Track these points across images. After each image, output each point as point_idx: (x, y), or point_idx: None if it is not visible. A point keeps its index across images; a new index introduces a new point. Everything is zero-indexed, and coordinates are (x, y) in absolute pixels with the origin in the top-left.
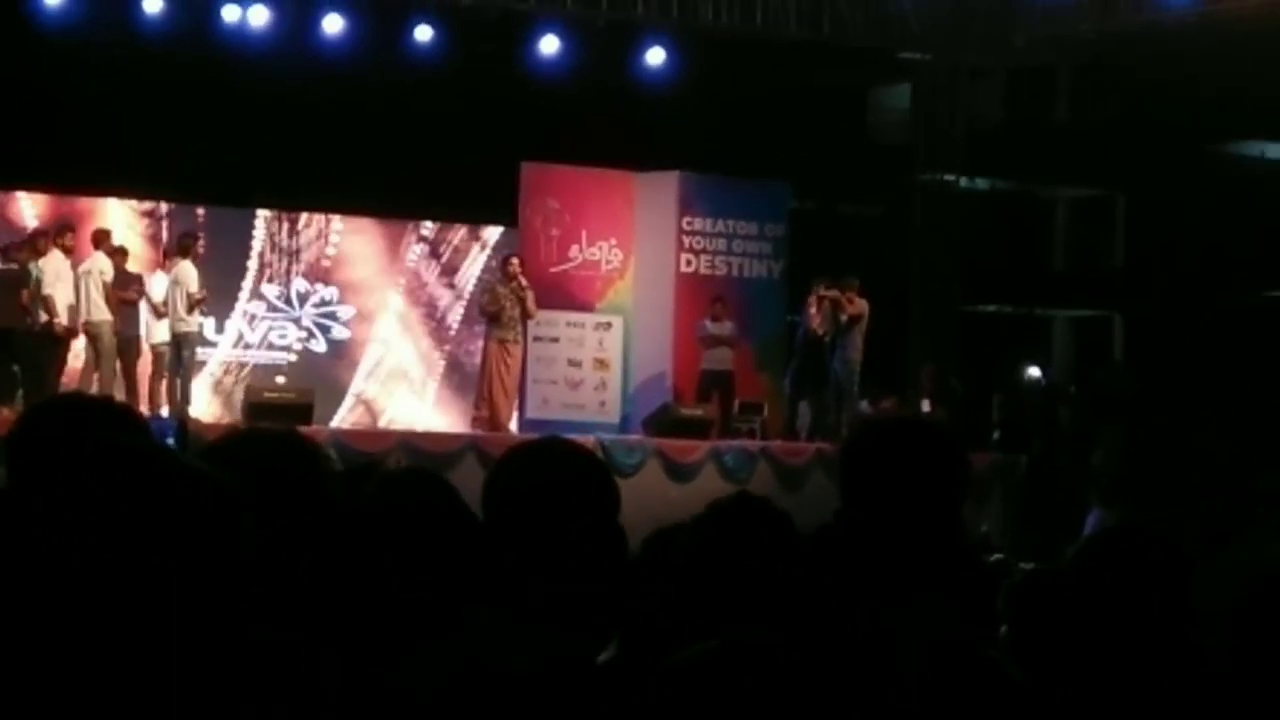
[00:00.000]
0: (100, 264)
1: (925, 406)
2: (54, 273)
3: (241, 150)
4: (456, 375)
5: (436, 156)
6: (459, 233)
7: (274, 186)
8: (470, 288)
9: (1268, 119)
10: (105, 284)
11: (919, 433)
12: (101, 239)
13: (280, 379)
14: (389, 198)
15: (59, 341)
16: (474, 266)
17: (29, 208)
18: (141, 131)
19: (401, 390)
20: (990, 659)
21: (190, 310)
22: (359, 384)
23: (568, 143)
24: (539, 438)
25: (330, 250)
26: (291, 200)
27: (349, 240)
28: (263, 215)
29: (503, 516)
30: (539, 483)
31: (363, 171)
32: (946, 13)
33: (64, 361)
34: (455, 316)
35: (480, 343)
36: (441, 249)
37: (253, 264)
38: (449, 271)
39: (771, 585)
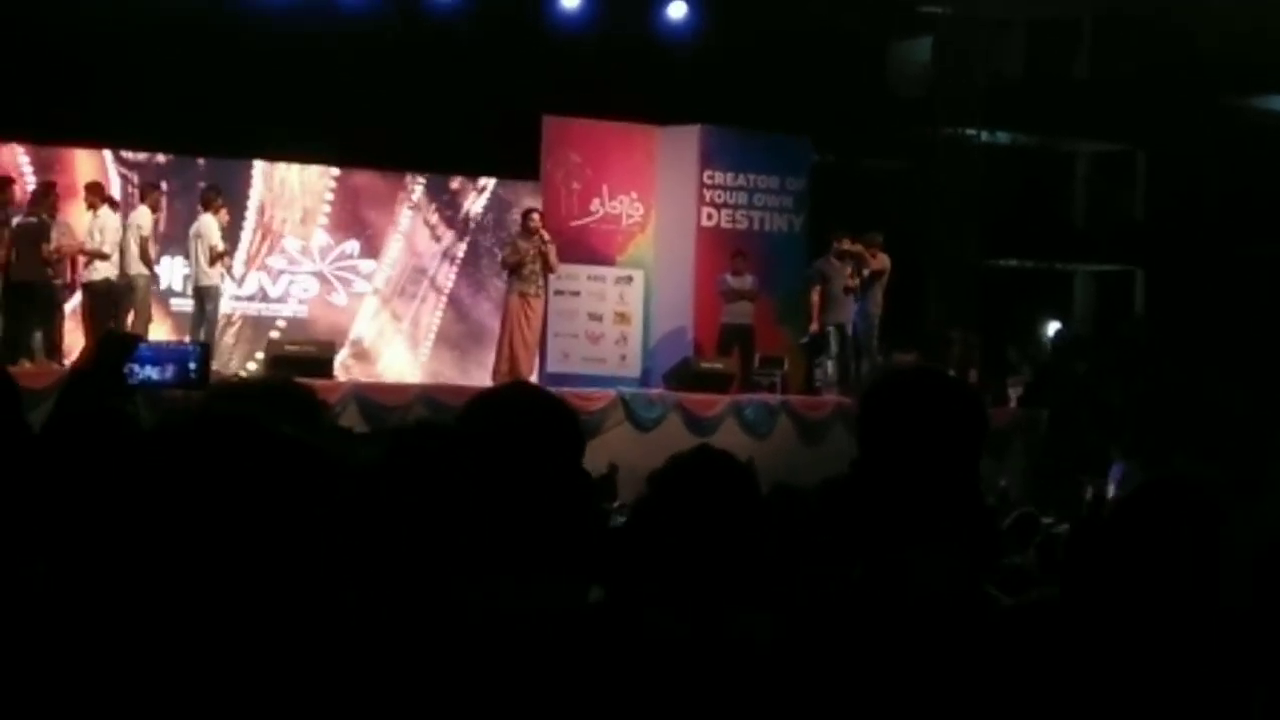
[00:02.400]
0: (141, 218)
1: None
2: (100, 226)
3: (255, 102)
4: (458, 326)
5: (457, 110)
6: (455, 180)
7: (288, 138)
8: (470, 233)
9: None
10: (144, 239)
11: (937, 384)
12: (147, 193)
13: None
14: (409, 152)
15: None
16: (474, 207)
17: (21, 158)
18: (153, 83)
19: (397, 340)
20: (1007, 609)
21: (212, 264)
22: (357, 330)
23: (589, 96)
24: (503, 386)
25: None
26: (307, 153)
27: (361, 192)
28: (276, 167)
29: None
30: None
31: (383, 125)
32: None
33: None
34: (452, 268)
35: (480, 292)
36: (442, 197)
37: (251, 217)
38: (446, 220)
39: (732, 541)
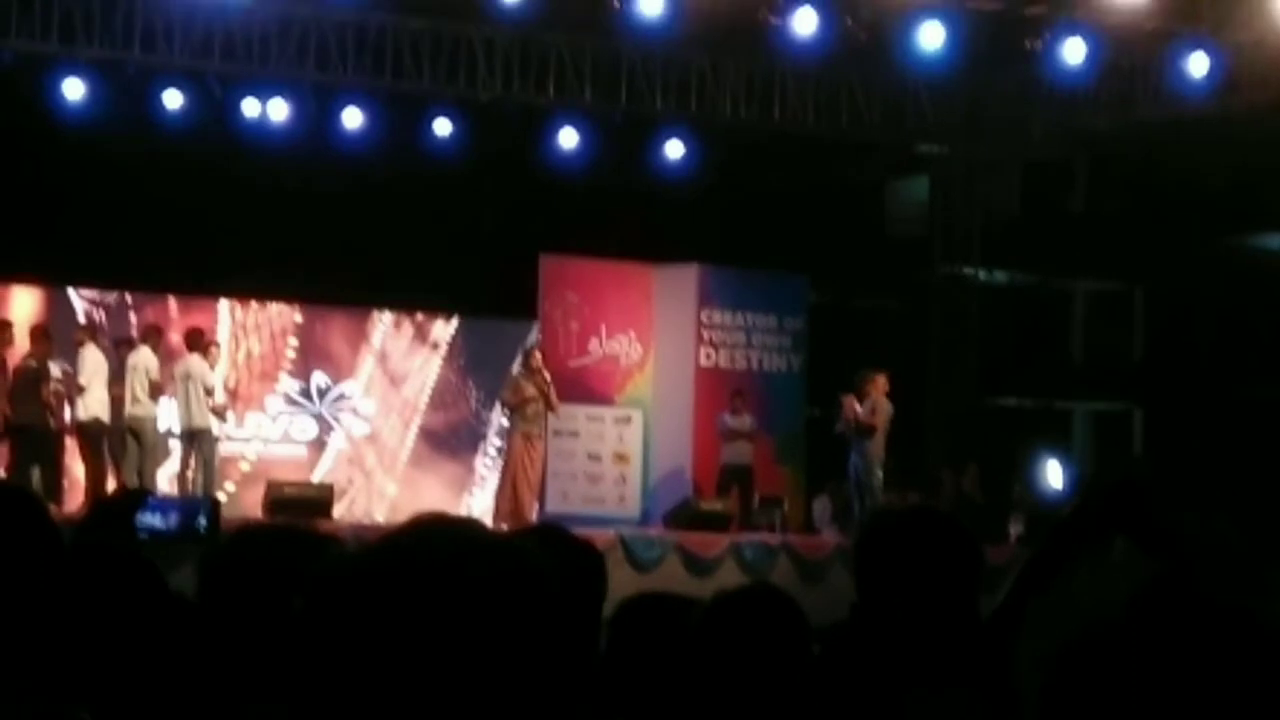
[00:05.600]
0: (145, 359)
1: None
2: (94, 367)
3: (260, 243)
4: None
5: (456, 250)
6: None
7: (294, 280)
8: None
9: None
10: (152, 379)
11: (932, 523)
12: (148, 334)
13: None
14: (408, 291)
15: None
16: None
17: (28, 302)
18: (160, 226)
19: (374, 470)
20: None
21: (214, 411)
22: (325, 465)
23: (587, 236)
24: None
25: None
26: (312, 293)
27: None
28: (283, 309)
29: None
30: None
31: (383, 265)
32: (962, 106)
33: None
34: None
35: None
36: (402, 329)
37: (279, 359)
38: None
39: (782, 675)
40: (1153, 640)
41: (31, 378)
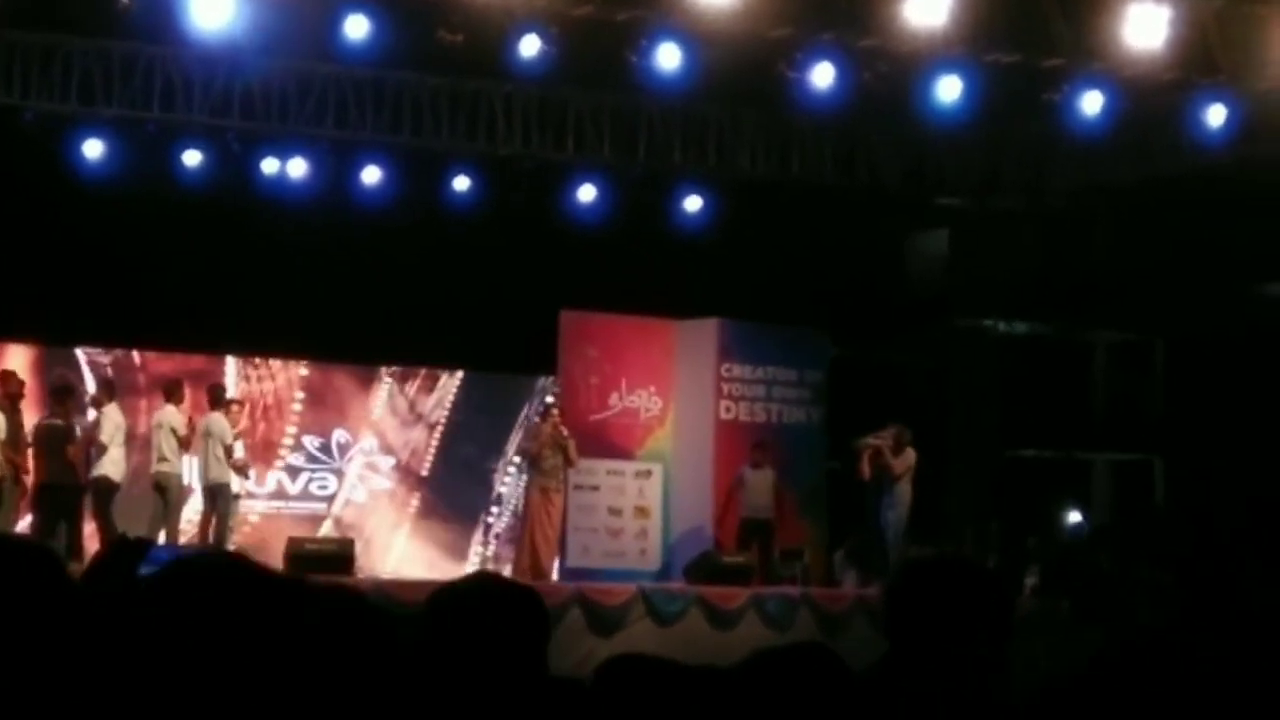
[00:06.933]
0: (170, 416)
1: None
2: (114, 427)
3: (279, 300)
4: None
5: (475, 306)
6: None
7: (311, 336)
8: (440, 421)
9: None
10: (177, 436)
11: (963, 572)
12: (172, 391)
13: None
14: (427, 348)
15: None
16: (443, 395)
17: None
18: (181, 284)
19: (380, 527)
20: None
21: (236, 469)
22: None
23: (606, 290)
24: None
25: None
26: (329, 350)
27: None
28: (293, 364)
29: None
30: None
31: (401, 321)
32: (981, 159)
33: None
34: (428, 455)
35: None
36: (408, 385)
37: (285, 414)
38: (418, 406)
39: None
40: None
41: (59, 436)
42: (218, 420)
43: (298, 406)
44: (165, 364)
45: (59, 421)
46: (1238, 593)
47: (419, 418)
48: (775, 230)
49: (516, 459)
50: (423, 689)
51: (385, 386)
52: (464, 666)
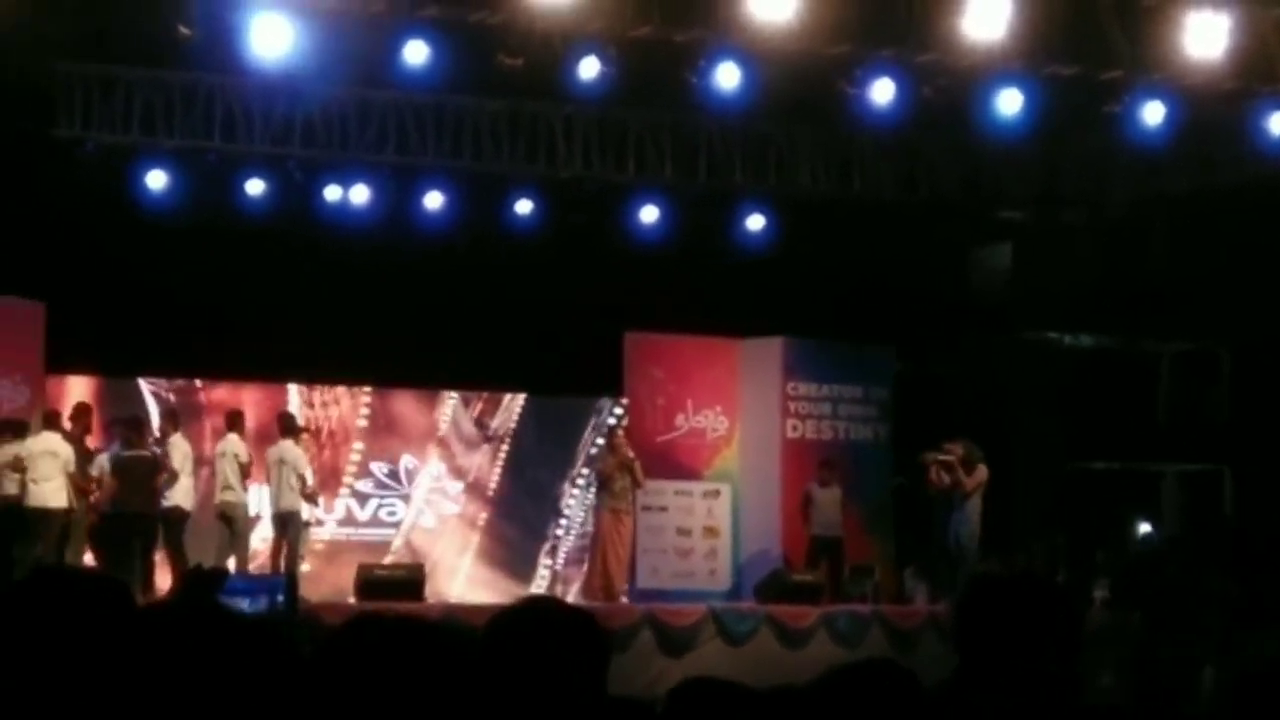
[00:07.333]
0: (234, 445)
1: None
2: (183, 456)
3: (342, 327)
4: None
5: (540, 329)
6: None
7: (374, 362)
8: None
9: None
10: (241, 465)
11: (1032, 589)
12: (234, 420)
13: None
14: (491, 370)
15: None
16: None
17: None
18: (245, 312)
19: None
20: None
21: (307, 497)
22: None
23: (669, 311)
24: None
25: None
26: (391, 377)
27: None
28: (357, 391)
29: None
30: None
31: (464, 345)
32: (1042, 171)
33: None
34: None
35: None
36: (471, 408)
37: (354, 441)
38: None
39: None
40: None
41: (146, 467)
42: (290, 449)
43: (362, 432)
44: (227, 393)
45: (144, 452)
46: None
47: (486, 438)
48: (837, 247)
49: (580, 480)
50: (481, 714)
51: (449, 408)
52: (521, 691)
